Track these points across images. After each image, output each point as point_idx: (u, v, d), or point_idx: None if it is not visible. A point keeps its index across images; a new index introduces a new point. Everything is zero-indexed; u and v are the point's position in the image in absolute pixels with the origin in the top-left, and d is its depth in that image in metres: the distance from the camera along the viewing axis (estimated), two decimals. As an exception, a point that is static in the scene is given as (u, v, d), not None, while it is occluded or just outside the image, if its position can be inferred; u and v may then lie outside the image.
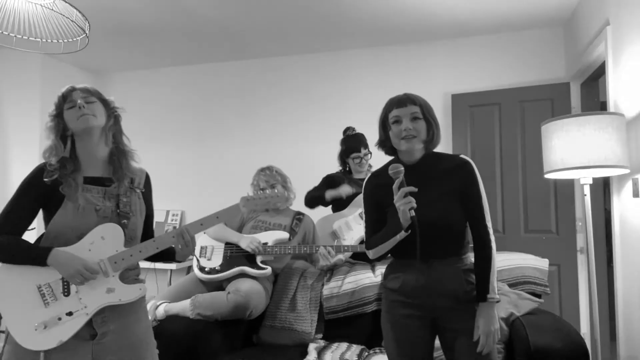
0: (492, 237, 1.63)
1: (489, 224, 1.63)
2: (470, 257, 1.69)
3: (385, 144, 1.73)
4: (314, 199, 3.01)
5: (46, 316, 1.45)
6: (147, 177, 1.73)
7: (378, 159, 3.20)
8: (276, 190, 1.74)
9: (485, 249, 1.62)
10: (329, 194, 3.00)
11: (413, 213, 1.51)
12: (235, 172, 4.27)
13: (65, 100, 1.57)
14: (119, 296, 1.53)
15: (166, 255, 1.69)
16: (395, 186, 1.55)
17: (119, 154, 1.63)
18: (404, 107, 1.65)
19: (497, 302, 1.60)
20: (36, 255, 1.46)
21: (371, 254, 1.72)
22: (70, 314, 1.47)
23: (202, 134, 4.60)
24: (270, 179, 2.77)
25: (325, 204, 3.05)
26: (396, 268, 1.72)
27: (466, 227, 1.67)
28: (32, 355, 1.43)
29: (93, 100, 1.59)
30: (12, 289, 1.47)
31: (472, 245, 1.68)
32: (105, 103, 1.63)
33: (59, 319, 1.46)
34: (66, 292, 1.48)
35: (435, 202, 1.61)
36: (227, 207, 1.65)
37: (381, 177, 1.70)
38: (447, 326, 1.63)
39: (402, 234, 1.56)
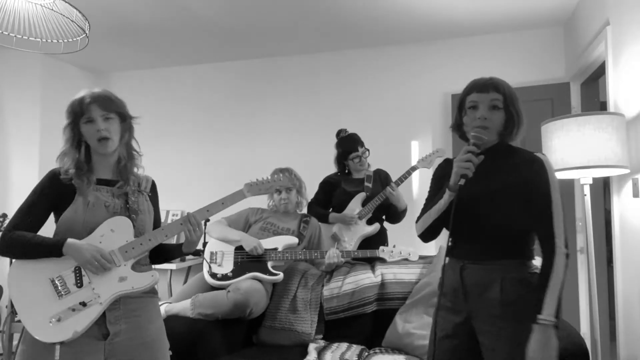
0: (560, 249, 1.39)
1: (558, 231, 1.41)
2: (532, 265, 1.49)
3: (460, 128, 1.58)
4: (319, 216, 3.02)
5: (60, 308, 1.47)
6: (154, 184, 1.78)
7: (378, 158, 3.22)
8: (280, 176, 1.76)
9: (546, 259, 1.40)
10: (333, 217, 3.02)
11: (462, 182, 1.39)
12: (236, 172, 4.27)
13: (82, 112, 1.55)
14: (132, 284, 1.54)
15: (172, 253, 1.74)
16: (465, 147, 1.44)
17: (127, 158, 1.67)
18: (485, 92, 1.50)
19: (555, 326, 1.36)
20: (51, 246, 1.49)
21: (417, 227, 1.59)
22: (83, 304, 1.48)
23: (202, 134, 4.60)
24: (288, 181, 2.77)
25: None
26: (443, 267, 1.57)
27: (527, 231, 1.47)
28: (47, 354, 1.44)
29: (111, 116, 1.59)
30: (27, 285, 1.49)
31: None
32: (122, 116, 1.64)
33: (73, 309, 1.47)
34: (79, 283, 1.50)
35: (491, 196, 1.45)
36: (232, 193, 1.69)
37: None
38: (484, 341, 1.45)
39: (447, 197, 1.45)
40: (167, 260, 1.77)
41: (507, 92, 1.50)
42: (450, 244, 1.52)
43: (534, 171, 1.47)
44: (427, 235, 1.58)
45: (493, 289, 1.43)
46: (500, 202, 1.45)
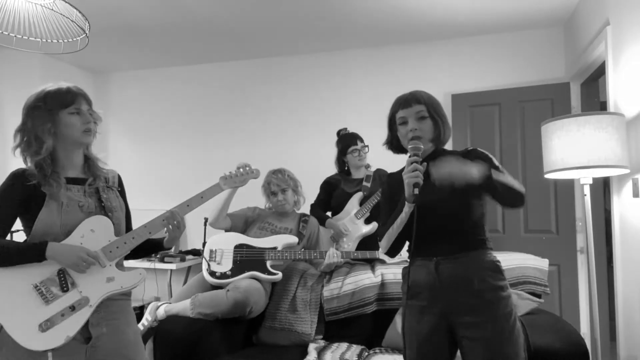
0: (524, 192, 1.49)
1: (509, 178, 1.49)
2: (492, 253, 1.60)
3: (392, 143, 1.72)
4: (318, 219, 3.03)
5: (49, 314, 1.43)
6: (120, 177, 1.75)
7: (378, 158, 3.21)
8: (254, 170, 1.83)
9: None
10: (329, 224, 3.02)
11: (417, 191, 1.46)
12: (235, 172, 4.26)
13: (70, 101, 1.53)
14: (120, 283, 1.53)
15: (153, 247, 1.72)
16: (408, 159, 1.53)
17: (91, 156, 1.65)
18: (409, 107, 1.62)
19: (489, 175, 1.41)
20: (32, 251, 1.43)
21: (383, 244, 1.67)
22: (73, 308, 1.45)
23: (201, 134, 4.60)
24: (282, 182, 2.76)
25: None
26: (407, 268, 1.66)
27: (482, 219, 1.60)
28: (33, 357, 1.41)
29: (92, 112, 1.58)
30: (8, 293, 1.43)
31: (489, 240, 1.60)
32: (93, 112, 1.61)
33: (62, 314, 1.44)
34: (65, 288, 1.46)
35: (442, 193, 1.51)
36: (210, 186, 1.74)
37: (396, 175, 1.70)
38: (464, 334, 1.52)
39: (407, 209, 1.53)
40: (148, 255, 1.76)
41: (428, 101, 1.63)
42: (415, 246, 1.56)
43: (475, 156, 1.58)
44: (393, 250, 1.67)
45: (470, 280, 1.52)
46: (453, 198, 1.53)
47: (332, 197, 3.09)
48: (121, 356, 1.55)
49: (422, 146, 1.56)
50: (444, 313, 1.55)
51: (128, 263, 1.66)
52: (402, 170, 1.68)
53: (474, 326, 1.50)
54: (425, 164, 1.52)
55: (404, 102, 1.64)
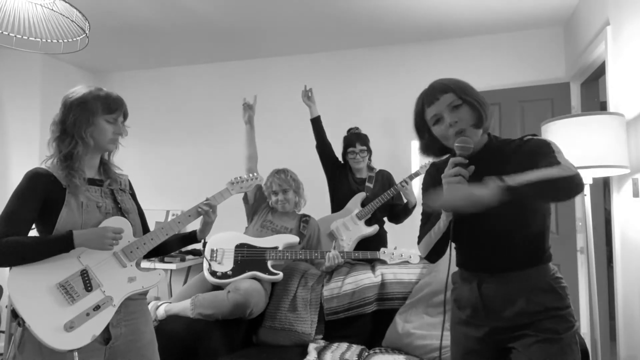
0: (574, 174, 1.20)
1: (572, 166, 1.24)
2: (552, 269, 1.37)
3: (429, 148, 1.44)
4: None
5: (74, 313, 1.44)
6: (130, 181, 1.78)
7: (378, 158, 3.21)
8: (257, 175, 2.00)
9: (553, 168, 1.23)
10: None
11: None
12: (237, 171, 4.24)
13: (116, 109, 1.56)
14: (142, 283, 1.57)
15: (186, 240, 1.81)
16: (452, 160, 1.29)
17: (106, 159, 1.68)
18: (436, 100, 1.37)
19: (505, 188, 1.15)
20: (60, 242, 1.43)
21: (420, 249, 1.47)
22: (97, 307, 1.47)
23: (202, 134, 4.60)
24: (284, 183, 2.76)
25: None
26: (455, 276, 1.49)
27: (544, 232, 1.36)
28: (56, 356, 1.41)
29: (123, 125, 1.63)
30: (33, 293, 1.42)
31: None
32: (123, 126, 1.66)
33: (87, 314, 1.45)
34: (89, 287, 1.48)
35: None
36: (218, 192, 1.84)
37: (441, 165, 1.45)
38: (517, 355, 1.34)
39: (444, 217, 1.33)
40: (162, 254, 1.80)
41: (455, 86, 1.38)
42: (458, 256, 1.44)
43: (536, 147, 1.33)
44: (433, 256, 1.46)
45: (518, 303, 1.33)
46: (509, 206, 1.23)
47: (336, 178, 3.12)
48: (139, 356, 1.57)
49: (472, 145, 1.30)
50: (492, 331, 1.39)
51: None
52: (446, 161, 1.43)
53: (524, 348, 1.33)
54: (472, 167, 1.28)
55: (429, 96, 1.39)
